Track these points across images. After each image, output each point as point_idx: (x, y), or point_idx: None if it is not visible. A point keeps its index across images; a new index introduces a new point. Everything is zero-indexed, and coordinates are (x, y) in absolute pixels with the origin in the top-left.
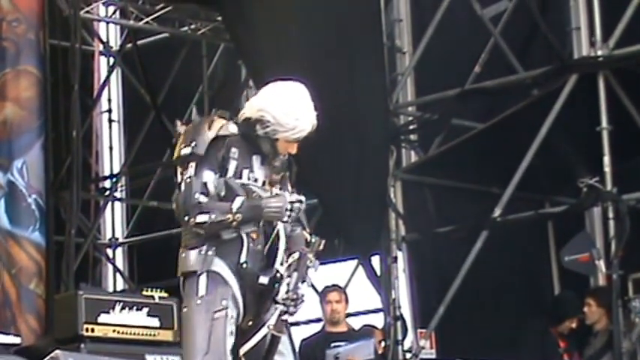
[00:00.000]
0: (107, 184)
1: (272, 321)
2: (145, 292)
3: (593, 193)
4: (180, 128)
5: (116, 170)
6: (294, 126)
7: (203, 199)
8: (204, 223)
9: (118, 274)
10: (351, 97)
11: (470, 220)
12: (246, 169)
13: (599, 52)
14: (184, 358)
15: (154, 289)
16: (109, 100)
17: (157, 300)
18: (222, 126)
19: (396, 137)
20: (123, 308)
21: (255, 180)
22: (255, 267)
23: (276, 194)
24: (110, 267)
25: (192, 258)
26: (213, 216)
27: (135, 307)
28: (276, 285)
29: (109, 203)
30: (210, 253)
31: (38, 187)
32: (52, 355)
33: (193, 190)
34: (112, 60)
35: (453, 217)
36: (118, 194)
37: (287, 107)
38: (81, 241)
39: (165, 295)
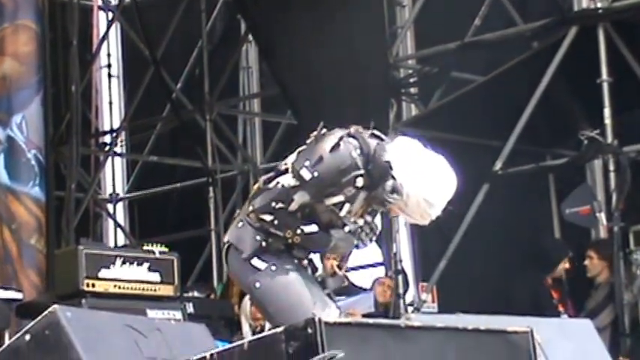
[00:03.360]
0: (107, 139)
1: None
2: (145, 247)
3: (593, 146)
4: None
5: (116, 125)
6: (420, 214)
7: None
8: None
9: (118, 230)
10: (351, 50)
11: (470, 173)
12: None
13: (599, 4)
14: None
15: (155, 244)
16: (109, 55)
17: (157, 255)
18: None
19: (396, 90)
20: (123, 263)
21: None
22: None
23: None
24: (111, 222)
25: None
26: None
27: (135, 262)
28: None
29: (109, 158)
30: None
31: (38, 142)
32: (50, 309)
33: None
34: (110, 15)
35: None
36: (117, 149)
37: (426, 195)
38: (81, 196)
39: (166, 249)
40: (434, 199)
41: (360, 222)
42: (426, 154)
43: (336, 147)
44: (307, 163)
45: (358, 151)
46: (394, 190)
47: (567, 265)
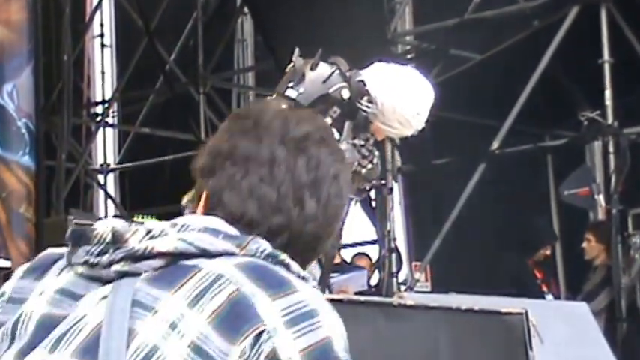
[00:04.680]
0: (99, 109)
1: None
2: (135, 219)
3: (593, 127)
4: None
5: (108, 96)
6: (398, 122)
7: None
8: None
9: (109, 201)
10: (348, 25)
11: (467, 152)
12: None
13: None
14: None
15: (145, 216)
16: (102, 25)
17: None
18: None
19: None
20: None
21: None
22: None
23: None
24: (101, 193)
25: None
26: None
27: None
28: None
29: (101, 129)
30: None
31: (29, 110)
32: None
33: None
34: None
35: (450, 149)
36: (109, 120)
37: (401, 100)
38: (72, 166)
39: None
40: (409, 104)
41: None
42: (398, 68)
43: (315, 66)
44: (291, 84)
45: (336, 68)
46: (369, 101)
47: (547, 252)
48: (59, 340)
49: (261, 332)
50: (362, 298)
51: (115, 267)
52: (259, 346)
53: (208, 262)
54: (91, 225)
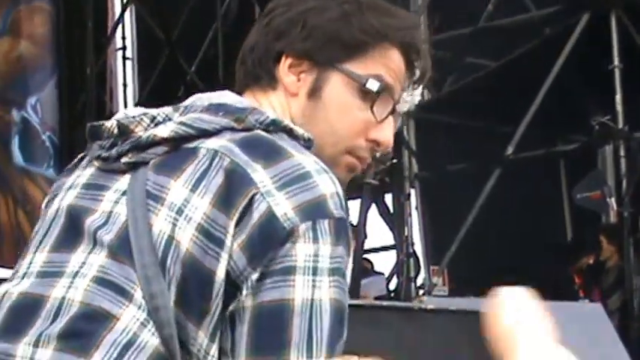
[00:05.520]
0: None
1: None
2: None
3: (605, 131)
4: None
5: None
6: None
7: None
8: None
9: None
10: None
11: (482, 157)
12: None
13: None
14: None
15: None
16: (123, 38)
17: None
18: None
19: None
20: None
21: None
22: None
23: None
24: None
25: None
26: None
27: None
28: None
29: None
30: None
31: (52, 124)
32: None
33: None
34: None
35: (466, 154)
36: None
37: None
38: None
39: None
40: None
41: None
42: None
43: None
44: None
45: None
46: None
47: (590, 261)
48: (93, 239)
49: (253, 196)
50: (383, 303)
51: (124, 159)
52: (253, 209)
53: (207, 141)
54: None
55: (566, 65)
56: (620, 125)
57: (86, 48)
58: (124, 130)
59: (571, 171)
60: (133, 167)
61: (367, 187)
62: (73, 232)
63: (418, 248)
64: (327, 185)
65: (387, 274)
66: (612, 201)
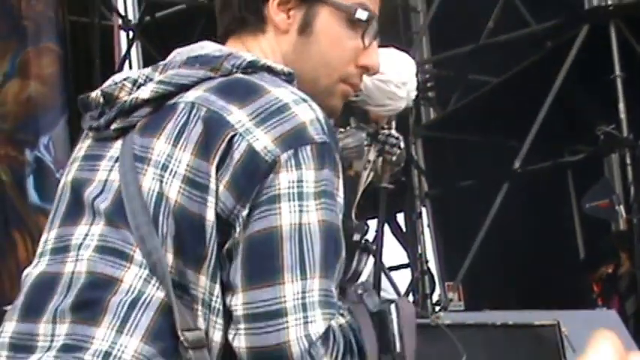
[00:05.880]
0: None
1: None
2: None
3: (610, 140)
4: None
5: None
6: (386, 96)
7: None
8: None
9: None
10: None
11: (491, 173)
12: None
13: (609, 2)
14: None
15: None
16: None
17: None
18: None
19: (415, 95)
20: None
21: None
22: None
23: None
24: None
25: None
26: None
27: None
28: None
29: None
30: None
31: (65, 161)
32: None
33: None
34: (131, 34)
35: (474, 171)
36: None
37: (383, 80)
38: None
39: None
40: (390, 77)
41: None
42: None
43: None
44: None
45: None
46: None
47: (610, 270)
48: (92, 209)
49: (232, 137)
50: None
51: (113, 126)
52: (233, 150)
53: (185, 94)
54: None
55: (568, 77)
56: (625, 134)
57: (94, 85)
58: (109, 98)
59: (579, 181)
60: (122, 133)
61: (383, 191)
62: (76, 205)
63: (432, 265)
64: (306, 113)
65: (402, 293)
66: (621, 208)
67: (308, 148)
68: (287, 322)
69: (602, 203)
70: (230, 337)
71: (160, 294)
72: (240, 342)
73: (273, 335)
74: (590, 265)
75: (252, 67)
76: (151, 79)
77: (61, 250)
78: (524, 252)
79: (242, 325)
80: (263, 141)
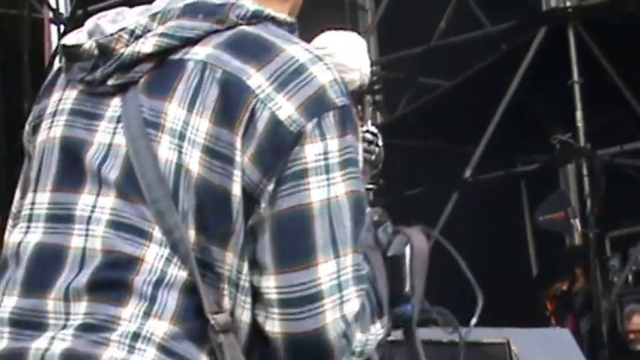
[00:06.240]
0: None
1: None
2: None
3: (566, 150)
4: None
5: None
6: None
7: None
8: None
9: None
10: None
11: (440, 181)
12: None
13: (568, 3)
14: None
15: None
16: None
17: None
18: None
19: (361, 97)
20: None
21: None
22: None
23: None
24: None
25: None
26: None
27: None
28: None
29: None
30: None
31: None
32: None
33: None
34: (62, 28)
35: (423, 178)
36: None
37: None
38: None
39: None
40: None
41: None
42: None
43: None
44: None
45: None
46: None
47: (564, 287)
48: (98, 177)
49: (254, 105)
50: None
51: (110, 81)
52: (256, 119)
53: (192, 49)
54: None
55: (524, 82)
56: (582, 143)
57: (22, 82)
58: (105, 50)
59: (533, 192)
60: (120, 89)
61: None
62: (72, 168)
63: None
64: (324, 74)
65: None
66: (577, 222)
67: (331, 114)
68: (323, 305)
69: (557, 216)
70: (260, 319)
71: (183, 273)
72: (273, 327)
73: (310, 321)
74: (543, 281)
75: (257, 18)
76: (149, 30)
77: (62, 219)
78: (474, 265)
79: (276, 310)
80: (286, 109)
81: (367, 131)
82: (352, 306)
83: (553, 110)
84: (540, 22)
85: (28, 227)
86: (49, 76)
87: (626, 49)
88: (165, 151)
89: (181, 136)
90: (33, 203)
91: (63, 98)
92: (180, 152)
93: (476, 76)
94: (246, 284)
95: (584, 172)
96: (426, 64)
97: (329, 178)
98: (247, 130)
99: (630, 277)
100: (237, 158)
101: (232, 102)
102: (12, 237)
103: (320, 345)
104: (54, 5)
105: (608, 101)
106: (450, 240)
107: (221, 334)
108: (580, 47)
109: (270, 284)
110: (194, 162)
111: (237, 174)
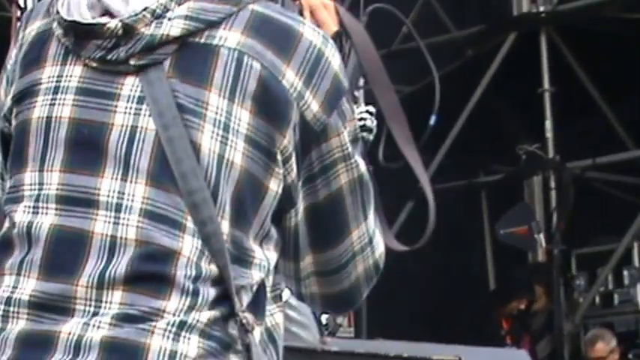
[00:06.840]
0: None
1: None
2: None
3: (533, 161)
4: None
5: None
6: None
7: None
8: None
9: None
10: None
11: (395, 189)
12: None
13: (542, 8)
14: None
15: None
16: None
17: None
18: None
19: None
20: None
21: None
22: None
23: None
24: None
25: None
26: None
27: None
28: None
29: None
30: None
31: None
32: None
33: None
34: None
35: (379, 185)
36: None
37: None
38: None
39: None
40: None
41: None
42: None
43: None
44: None
45: None
46: None
47: (522, 306)
48: (123, 161)
49: (287, 105)
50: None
51: (133, 61)
52: (290, 118)
53: (217, 34)
54: None
55: (491, 89)
56: (551, 154)
57: None
58: (129, 30)
59: (494, 204)
60: (140, 68)
61: None
62: (89, 150)
63: None
64: (335, 57)
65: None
66: (541, 237)
67: (344, 99)
68: (356, 263)
69: (520, 230)
70: (293, 288)
71: (214, 268)
72: (309, 289)
73: (345, 281)
74: (500, 298)
75: None
76: (167, 9)
77: (81, 202)
78: (426, 278)
79: (313, 279)
80: (312, 108)
81: (367, 111)
82: (380, 250)
83: (520, 119)
84: (510, 28)
85: (36, 207)
86: (26, 47)
87: (600, 57)
88: (208, 141)
89: (226, 127)
90: (41, 183)
91: (65, 75)
92: (224, 143)
93: (439, 82)
94: (271, 276)
95: (552, 184)
96: (387, 68)
97: (351, 162)
98: (285, 129)
99: (597, 299)
100: (279, 156)
101: (271, 99)
102: (16, 215)
103: (353, 294)
104: (22, 4)
105: (580, 111)
106: (403, 254)
107: (249, 334)
108: (552, 54)
109: (306, 263)
110: (238, 153)
111: (277, 171)
